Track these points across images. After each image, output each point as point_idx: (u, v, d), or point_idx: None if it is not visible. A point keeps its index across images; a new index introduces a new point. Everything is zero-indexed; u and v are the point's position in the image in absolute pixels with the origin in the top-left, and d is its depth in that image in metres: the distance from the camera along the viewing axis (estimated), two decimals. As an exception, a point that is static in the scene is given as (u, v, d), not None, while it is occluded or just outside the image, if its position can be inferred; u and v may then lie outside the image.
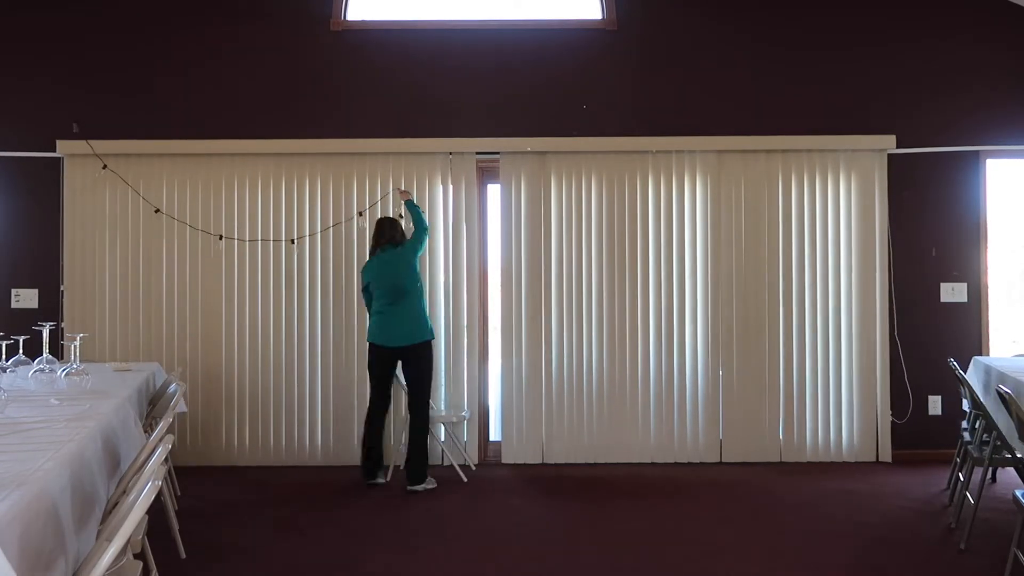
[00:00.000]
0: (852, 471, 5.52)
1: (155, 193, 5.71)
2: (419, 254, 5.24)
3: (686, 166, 5.78)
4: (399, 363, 5.19)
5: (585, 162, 5.78)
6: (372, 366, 5.20)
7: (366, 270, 5.25)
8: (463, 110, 5.78)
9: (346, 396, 5.71)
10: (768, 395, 5.75)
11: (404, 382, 5.22)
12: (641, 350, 5.74)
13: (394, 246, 5.18)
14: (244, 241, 5.72)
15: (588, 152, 5.76)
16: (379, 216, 5.47)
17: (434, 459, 5.44)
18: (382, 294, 5.12)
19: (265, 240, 5.73)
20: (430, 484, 5.13)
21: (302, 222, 5.75)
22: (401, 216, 5.52)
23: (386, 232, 5.22)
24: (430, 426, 5.22)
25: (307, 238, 5.75)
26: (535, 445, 5.74)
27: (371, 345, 5.18)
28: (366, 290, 5.24)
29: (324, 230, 5.74)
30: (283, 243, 5.74)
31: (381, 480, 5.20)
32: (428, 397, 5.20)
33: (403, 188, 5.63)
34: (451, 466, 5.41)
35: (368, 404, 5.25)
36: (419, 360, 5.13)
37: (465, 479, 5.28)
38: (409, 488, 5.06)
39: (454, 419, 5.58)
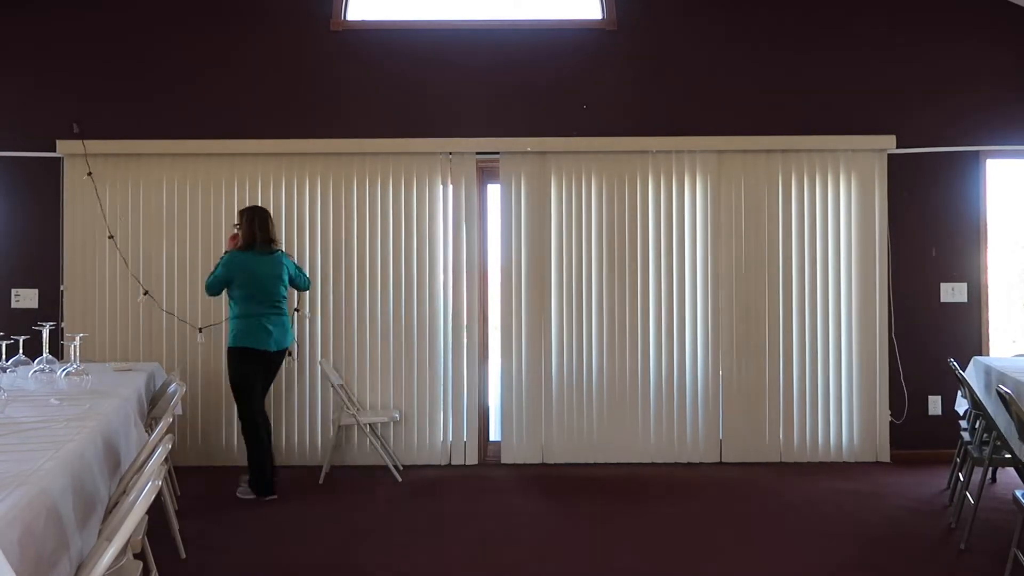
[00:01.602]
0: (852, 471, 5.52)
1: (155, 193, 5.71)
2: (293, 280, 5.10)
3: (686, 166, 5.78)
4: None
5: (585, 162, 5.78)
6: (254, 373, 4.93)
7: (234, 264, 4.89)
8: (463, 110, 5.78)
9: (345, 396, 5.70)
10: (768, 395, 5.75)
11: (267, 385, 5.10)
12: (641, 350, 5.74)
13: (272, 249, 4.99)
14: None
15: (588, 152, 5.76)
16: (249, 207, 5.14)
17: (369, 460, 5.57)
18: (252, 295, 4.88)
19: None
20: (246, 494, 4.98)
21: (302, 222, 5.75)
22: None
23: (267, 230, 4.96)
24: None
25: (307, 238, 5.75)
26: (535, 445, 5.74)
27: (250, 351, 4.88)
28: (225, 282, 4.92)
29: (324, 229, 5.75)
30: (282, 243, 5.73)
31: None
32: None
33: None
34: (386, 467, 5.41)
35: (252, 416, 4.93)
36: (279, 365, 5.11)
37: (399, 479, 5.28)
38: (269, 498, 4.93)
39: (384, 420, 5.57)
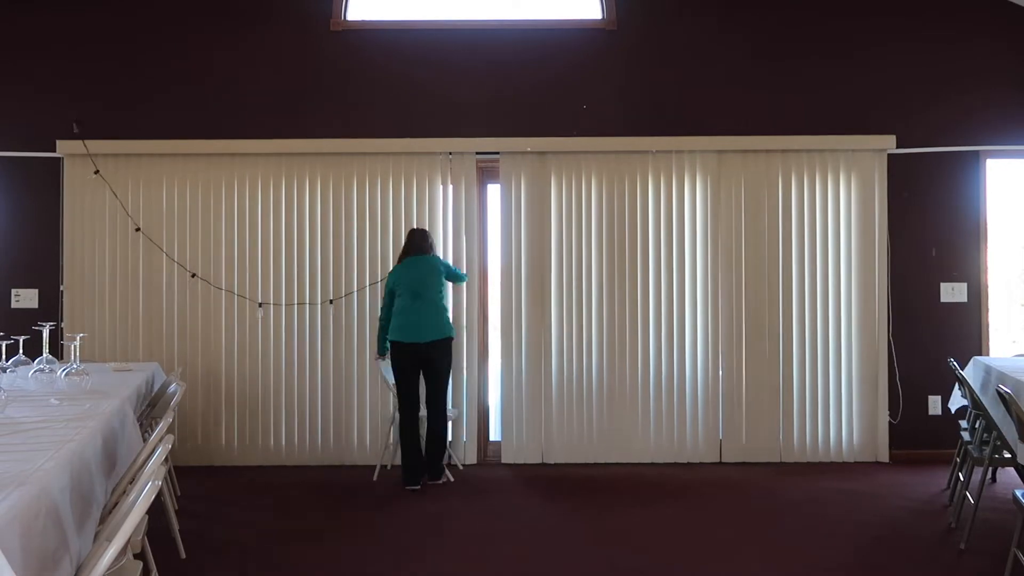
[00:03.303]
0: (852, 471, 5.52)
1: (155, 192, 5.72)
2: (450, 274, 5.31)
3: (686, 166, 5.78)
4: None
5: (585, 162, 5.77)
6: (399, 364, 5.13)
7: (392, 275, 5.25)
8: (463, 110, 5.78)
9: (346, 396, 5.71)
10: (768, 395, 5.74)
11: (424, 378, 5.20)
12: (641, 350, 5.73)
13: (423, 254, 5.22)
14: (244, 241, 5.72)
15: (588, 152, 5.76)
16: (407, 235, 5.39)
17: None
18: (405, 293, 5.13)
19: (265, 240, 5.73)
20: (449, 477, 5.27)
21: (301, 222, 5.75)
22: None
23: (415, 242, 5.26)
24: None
25: (307, 238, 5.75)
26: (535, 445, 5.74)
27: (396, 344, 5.12)
28: (389, 295, 5.23)
29: (324, 229, 5.75)
30: (283, 242, 5.74)
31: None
32: (448, 392, 5.29)
33: None
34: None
35: (403, 408, 5.14)
36: (444, 356, 5.15)
37: (452, 479, 5.27)
38: (431, 482, 5.15)
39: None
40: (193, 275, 5.66)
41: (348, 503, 4.87)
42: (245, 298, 5.72)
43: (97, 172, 5.64)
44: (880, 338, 5.73)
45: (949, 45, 5.82)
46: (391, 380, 5.32)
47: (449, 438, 5.42)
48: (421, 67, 5.78)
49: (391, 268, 5.38)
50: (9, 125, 5.73)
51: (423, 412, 5.24)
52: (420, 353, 5.08)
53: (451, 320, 5.33)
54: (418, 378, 5.18)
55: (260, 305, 5.69)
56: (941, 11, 5.83)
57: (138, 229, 5.66)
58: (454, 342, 5.68)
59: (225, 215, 5.73)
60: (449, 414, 5.31)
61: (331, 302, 5.70)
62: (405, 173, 5.75)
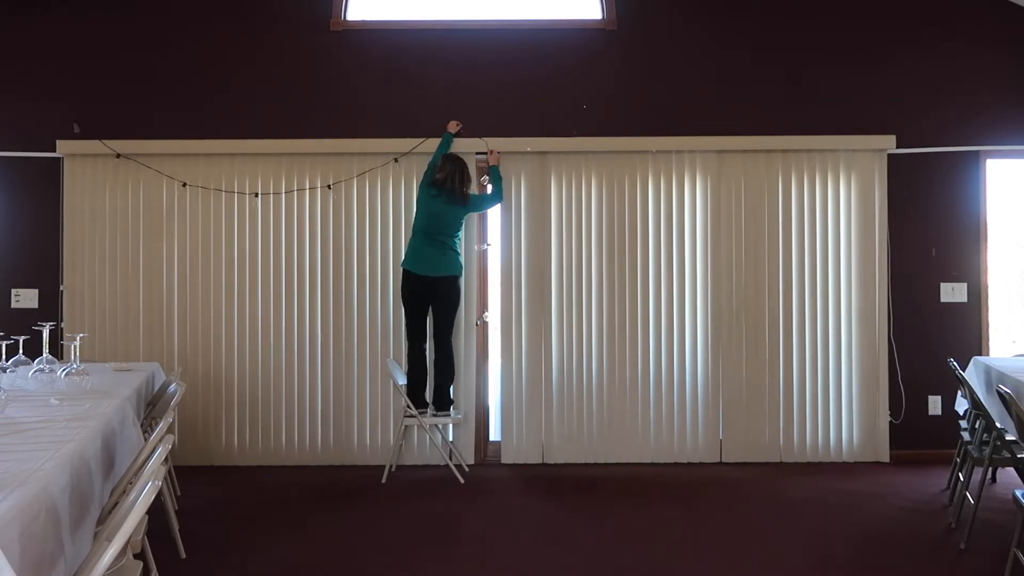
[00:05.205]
0: (852, 471, 5.52)
1: (155, 192, 5.71)
2: (477, 208, 5.60)
3: (686, 166, 5.78)
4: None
5: (585, 162, 5.78)
6: (409, 294, 5.43)
7: (424, 198, 5.42)
8: (463, 110, 5.78)
9: (347, 396, 5.71)
10: (768, 395, 5.75)
11: (431, 311, 5.48)
12: (641, 350, 5.74)
13: (447, 204, 5.37)
14: (244, 239, 5.72)
15: (588, 152, 5.76)
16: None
17: (427, 459, 5.49)
18: (420, 232, 5.40)
19: (265, 239, 5.73)
20: (457, 415, 5.53)
21: (301, 222, 5.75)
22: (486, 182, 5.71)
23: (458, 179, 5.38)
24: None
25: (307, 238, 5.75)
26: (535, 445, 5.74)
27: (408, 274, 5.41)
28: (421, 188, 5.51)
29: (324, 229, 5.75)
30: (283, 242, 5.74)
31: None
32: (452, 328, 5.52)
33: (493, 151, 5.66)
34: (447, 466, 5.38)
35: (410, 338, 5.47)
36: (450, 290, 5.41)
37: (462, 480, 5.27)
38: (437, 414, 5.46)
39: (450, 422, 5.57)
40: (256, 194, 5.70)
41: (349, 503, 4.87)
42: (245, 298, 5.72)
43: (119, 156, 5.63)
44: (880, 338, 5.73)
45: (949, 45, 5.82)
46: (400, 381, 5.39)
47: (450, 440, 5.44)
48: (421, 67, 5.78)
49: (416, 207, 5.52)
50: (9, 125, 5.73)
51: (430, 351, 5.52)
52: (428, 285, 5.38)
53: (462, 261, 5.54)
54: (426, 312, 5.45)
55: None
56: (941, 11, 5.83)
57: (185, 184, 5.68)
58: (452, 341, 5.70)
59: (225, 215, 5.72)
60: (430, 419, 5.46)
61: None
62: (405, 173, 5.75)
